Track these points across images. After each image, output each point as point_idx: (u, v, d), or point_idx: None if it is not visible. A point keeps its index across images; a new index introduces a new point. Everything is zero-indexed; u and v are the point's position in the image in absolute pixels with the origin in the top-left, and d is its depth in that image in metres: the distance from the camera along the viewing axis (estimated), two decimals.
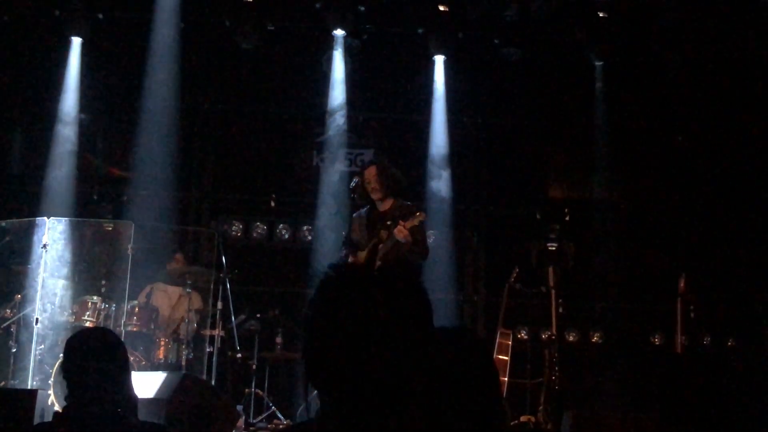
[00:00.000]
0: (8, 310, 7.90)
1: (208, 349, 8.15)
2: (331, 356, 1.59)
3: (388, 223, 6.53)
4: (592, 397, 9.32)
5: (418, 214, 6.43)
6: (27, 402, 5.78)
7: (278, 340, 9.07)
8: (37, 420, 5.58)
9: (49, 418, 4.74)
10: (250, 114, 10.56)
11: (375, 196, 6.68)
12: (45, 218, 8.12)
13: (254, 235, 10.20)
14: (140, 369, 7.37)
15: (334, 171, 10.01)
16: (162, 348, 7.99)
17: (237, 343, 8.44)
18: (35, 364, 7.59)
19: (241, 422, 7.33)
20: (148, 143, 9.46)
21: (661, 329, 9.79)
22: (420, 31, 9.78)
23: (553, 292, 8.56)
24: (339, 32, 9.67)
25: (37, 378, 7.57)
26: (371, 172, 6.69)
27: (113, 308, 7.88)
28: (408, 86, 10.25)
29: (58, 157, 9.51)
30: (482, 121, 10.55)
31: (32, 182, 9.69)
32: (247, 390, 8.48)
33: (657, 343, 9.96)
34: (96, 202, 9.78)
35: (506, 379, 8.09)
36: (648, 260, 10.08)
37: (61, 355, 6.21)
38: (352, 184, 6.83)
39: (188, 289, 8.18)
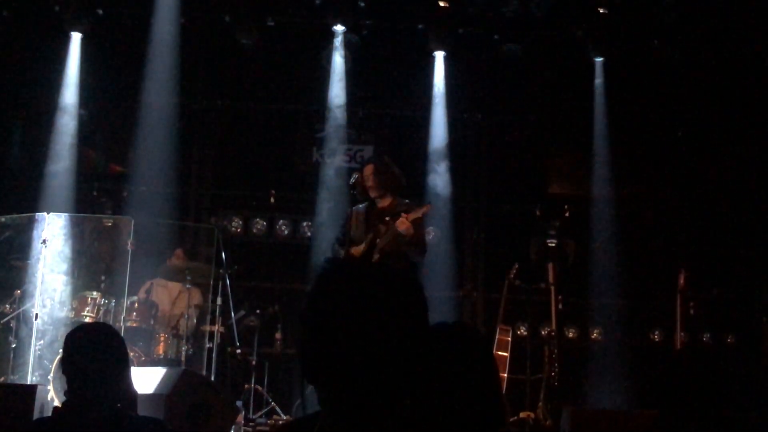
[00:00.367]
0: (8, 306, 7.91)
1: (207, 345, 8.15)
2: (325, 351, 1.59)
3: (387, 219, 6.56)
4: (591, 393, 9.33)
5: (426, 205, 6.55)
6: (26, 397, 5.79)
7: (278, 335, 9.09)
8: (36, 415, 5.58)
9: (48, 413, 4.74)
10: (250, 109, 10.55)
11: (372, 193, 6.79)
12: (45, 214, 8.10)
13: (254, 230, 10.20)
14: (140, 364, 7.37)
15: (333, 167, 10.01)
16: (162, 344, 8.00)
17: (237, 339, 8.45)
18: (35, 360, 7.58)
19: (240, 418, 7.33)
20: (148, 139, 9.46)
21: (661, 326, 9.80)
22: (420, 26, 9.77)
23: (552, 288, 8.57)
24: (339, 28, 9.66)
25: (37, 373, 7.57)
26: (369, 170, 6.82)
27: (113, 304, 7.88)
28: (408, 82, 10.24)
29: (57, 152, 9.50)
30: (482, 117, 10.55)
31: (32, 177, 9.68)
32: (246, 386, 8.49)
33: (656, 340, 9.97)
34: (96, 198, 9.78)
35: (506, 375, 8.10)
36: (648, 257, 10.09)
37: (61, 350, 6.21)
38: (352, 180, 6.87)
39: (188, 285, 8.19)
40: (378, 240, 6.57)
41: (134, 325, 7.89)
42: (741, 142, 10.05)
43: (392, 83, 10.28)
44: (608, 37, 9.60)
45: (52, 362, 7.40)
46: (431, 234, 9.05)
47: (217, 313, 8.16)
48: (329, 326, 1.59)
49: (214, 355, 8.09)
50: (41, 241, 7.86)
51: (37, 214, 8.20)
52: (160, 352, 7.95)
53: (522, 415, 8.22)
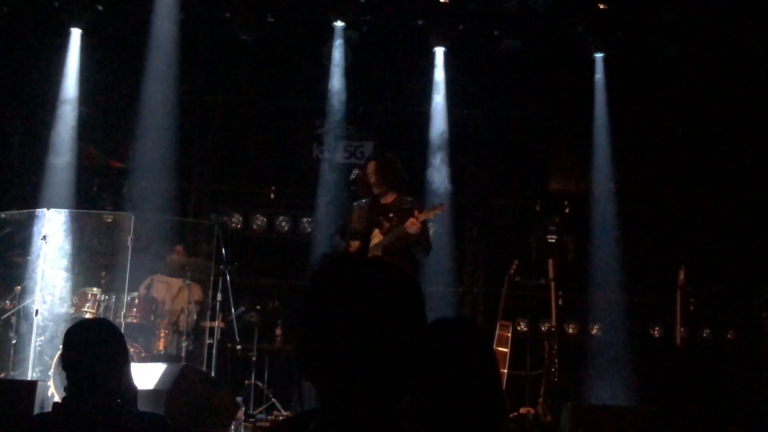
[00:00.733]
0: (8, 302, 7.90)
1: (208, 341, 8.16)
2: (322, 348, 1.58)
3: (391, 215, 6.59)
4: (591, 389, 9.33)
5: (439, 206, 6.62)
6: (27, 393, 5.80)
7: (278, 331, 9.10)
8: (36, 411, 5.59)
9: (48, 408, 4.75)
10: (250, 105, 10.55)
11: (375, 190, 6.88)
12: (45, 209, 8.11)
13: (254, 226, 10.21)
14: (140, 360, 7.38)
15: (333, 163, 10.00)
16: (162, 339, 8.00)
17: (237, 335, 8.45)
18: (35, 356, 7.59)
19: (240, 414, 7.33)
20: (148, 134, 9.44)
21: (661, 321, 9.80)
22: (420, 22, 9.77)
23: (552, 284, 8.57)
24: (339, 24, 9.66)
25: (37, 369, 7.58)
26: (372, 167, 6.89)
27: (113, 300, 7.89)
28: (408, 78, 10.24)
29: (57, 148, 9.49)
30: (482, 113, 10.55)
31: (32, 173, 9.69)
32: (246, 381, 8.50)
33: (656, 336, 9.98)
34: (96, 194, 9.77)
35: (506, 370, 8.10)
36: (648, 253, 10.09)
37: (61, 346, 6.22)
38: (352, 176, 6.88)
39: (188, 281, 8.20)
40: (376, 235, 6.58)
41: (134, 321, 7.90)
42: (741, 137, 10.04)
43: (392, 79, 10.27)
44: (608, 32, 9.60)
45: (52, 358, 7.41)
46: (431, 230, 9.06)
47: (218, 309, 8.16)
48: (326, 323, 1.58)
49: (214, 351, 8.09)
50: (41, 237, 7.86)
51: (37, 210, 8.20)
52: (161, 347, 7.96)
53: (522, 410, 8.23)
